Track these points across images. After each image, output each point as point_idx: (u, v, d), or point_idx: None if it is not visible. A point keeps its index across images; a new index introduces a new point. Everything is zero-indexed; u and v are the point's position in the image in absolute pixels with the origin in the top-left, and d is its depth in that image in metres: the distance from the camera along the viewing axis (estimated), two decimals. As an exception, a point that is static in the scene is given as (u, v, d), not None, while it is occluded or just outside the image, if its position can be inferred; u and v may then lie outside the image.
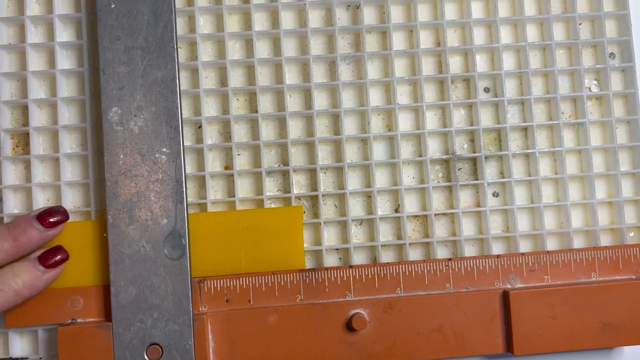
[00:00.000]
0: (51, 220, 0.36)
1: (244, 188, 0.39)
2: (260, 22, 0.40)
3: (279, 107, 0.40)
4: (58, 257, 0.36)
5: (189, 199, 0.38)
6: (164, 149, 0.37)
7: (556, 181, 0.40)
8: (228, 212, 0.38)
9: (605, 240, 0.40)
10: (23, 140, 0.39)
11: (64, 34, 0.39)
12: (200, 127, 0.39)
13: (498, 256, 0.38)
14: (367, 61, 0.40)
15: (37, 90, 0.39)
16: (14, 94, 0.39)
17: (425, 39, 0.40)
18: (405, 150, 0.40)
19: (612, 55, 0.41)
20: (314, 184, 0.40)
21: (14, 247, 0.35)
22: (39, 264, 0.35)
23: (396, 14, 0.40)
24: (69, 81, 0.39)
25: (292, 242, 0.38)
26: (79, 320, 0.37)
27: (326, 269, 0.38)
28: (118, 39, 0.37)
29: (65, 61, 0.39)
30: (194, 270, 0.37)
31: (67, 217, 0.37)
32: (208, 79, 0.40)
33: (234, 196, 0.39)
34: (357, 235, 0.40)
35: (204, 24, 0.40)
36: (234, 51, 0.40)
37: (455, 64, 0.41)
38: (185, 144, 0.38)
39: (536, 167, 0.40)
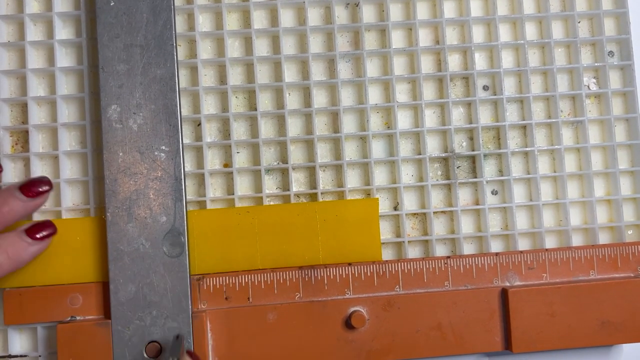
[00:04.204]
0: (35, 189, 0.35)
1: (243, 186, 0.39)
2: (259, 20, 0.40)
3: (278, 104, 0.40)
4: (46, 231, 0.36)
5: (188, 197, 0.38)
6: (163, 147, 0.37)
7: (555, 179, 0.41)
8: (303, 204, 0.38)
9: (603, 238, 0.40)
10: (22, 138, 0.39)
11: (63, 31, 0.39)
12: (199, 124, 0.39)
13: (497, 254, 0.38)
14: (366, 59, 0.40)
15: (37, 87, 0.39)
16: (14, 91, 0.39)
17: (425, 37, 0.40)
18: (404, 148, 0.40)
19: (611, 53, 0.41)
20: (313, 182, 0.40)
21: None
22: (26, 235, 0.35)
23: (395, 12, 0.41)
24: (69, 79, 0.39)
25: (369, 233, 0.38)
26: (78, 318, 0.37)
27: (325, 266, 0.38)
28: (117, 37, 0.37)
29: (64, 59, 0.39)
30: (198, 267, 0.37)
31: (50, 187, 0.36)
32: (207, 77, 0.40)
33: (233, 194, 0.39)
34: (356, 233, 0.40)
35: (203, 22, 0.40)
36: (233, 49, 0.40)
37: (454, 62, 0.41)
38: (184, 142, 0.38)
39: (535, 165, 0.40)
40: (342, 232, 0.38)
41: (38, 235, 0.35)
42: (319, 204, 0.38)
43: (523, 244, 0.40)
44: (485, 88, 0.41)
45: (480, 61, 0.41)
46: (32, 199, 0.35)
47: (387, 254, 0.39)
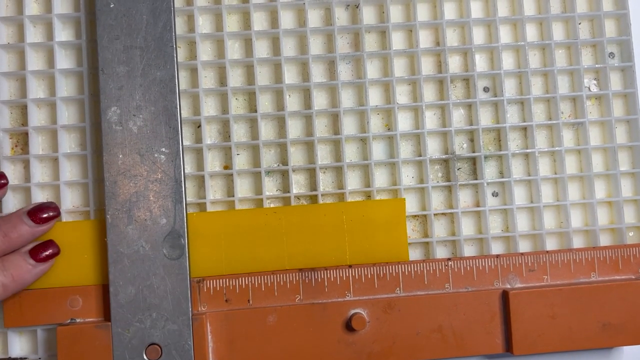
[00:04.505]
0: (42, 216, 0.36)
1: (243, 188, 0.39)
2: (259, 21, 0.40)
3: (278, 106, 0.40)
4: (49, 252, 0.36)
5: (188, 199, 0.38)
6: (163, 149, 0.37)
7: (556, 181, 0.40)
8: (329, 205, 0.38)
9: (604, 240, 0.40)
10: (22, 140, 0.39)
11: (63, 33, 0.39)
12: (199, 126, 0.39)
13: (497, 256, 0.38)
14: (367, 61, 0.40)
15: (36, 89, 0.39)
16: (13, 93, 0.39)
17: (425, 39, 0.40)
18: (405, 149, 0.40)
19: (611, 54, 0.41)
20: (313, 184, 0.39)
21: (4, 242, 0.35)
22: (30, 257, 0.35)
23: (395, 14, 0.40)
24: (68, 81, 0.39)
25: (396, 234, 0.38)
26: (78, 320, 0.37)
27: (326, 268, 0.38)
28: (117, 39, 0.37)
29: (64, 61, 0.39)
30: (197, 269, 0.37)
31: (58, 213, 0.37)
32: (207, 79, 0.40)
33: (234, 196, 0.39)
34: (356, 235, 0.40)
35: (203, 24, 0.40)
36: (233, 51, 0.40)
37: (454, 64, 0.41)
38: (184, 144, 0.38)
39: (536, 167, 0.40)
40: (369, 232, 0.38)
41: (42, 256, 0.36)
42: (346, 204, 0.38)
43: (524, 246, 0.40)
44: (485, 89, 0.41)
45: (480, 63, 0.41)
46: (39, 225, 0.36)
47: (387, 256, 0.39)
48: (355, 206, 0.38)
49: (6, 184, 0.37)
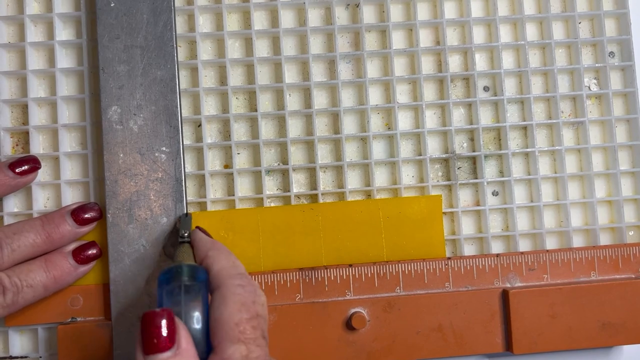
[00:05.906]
0: (85, 217, 0.36)
1: (243, 187, 0.39)
2: (259, 20, 0.40)
3: (278, 105, 0.40)
4: (91, 253, 0.36)
5: (188, 198, 0.38)
6: (164, 148, 0.37)
7: (556, 180, 0.40)
8: (365, 201, 0.38)
9: (604, 239, 0.40)
10: (23, 139, 0.39)
11: (63, 32, 0.39)
12: (199, 126, 0.39)
13: (497, 255, 0.38)
14: (367, 60, 0.40)
15: (37, 89, 0.39)
16: (14, 92, 0.39)
17: (425, 38, 0.40)
18: (405, 149, 0.40)
19: (611, 54, 0.41)
20: (313, 183, 0.40)
21: (46, 242, 0.35)
22: (72, 258, 0.36)
23: (396, 13, 0.40)
24: (69, 80, 0.39)
25: (432, 230, 0.38)
26: (78, 319, 0.37)
27: (326, 267, 0.38)
28: (117, 38, 0.37)
29: (64, 60, 0.39)
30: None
31: (100, 215, 0.37)
32: (207, 78, 0.40)
33: (234, 195, 0.39)
34: (356, 234, 0.40)
35: (204, 23, 0.40)
36: (234, 50, 0.40)
37: (454, 63, 0.41)
38: (184, 143, 0.38)
39: (536, 166, 0.40)
40: (406, 229, 0.38)
41: (84, 258, 0.36)
42: (381, 200, 0.38)
43: (524, 245, 0.40)
44: (485, 89, 0.41)
45: (480, 62, 0.41)
46: (81, 227, 0.36)
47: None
48: (392, 203, 0.38)
49: (37, 168, 0.37)
